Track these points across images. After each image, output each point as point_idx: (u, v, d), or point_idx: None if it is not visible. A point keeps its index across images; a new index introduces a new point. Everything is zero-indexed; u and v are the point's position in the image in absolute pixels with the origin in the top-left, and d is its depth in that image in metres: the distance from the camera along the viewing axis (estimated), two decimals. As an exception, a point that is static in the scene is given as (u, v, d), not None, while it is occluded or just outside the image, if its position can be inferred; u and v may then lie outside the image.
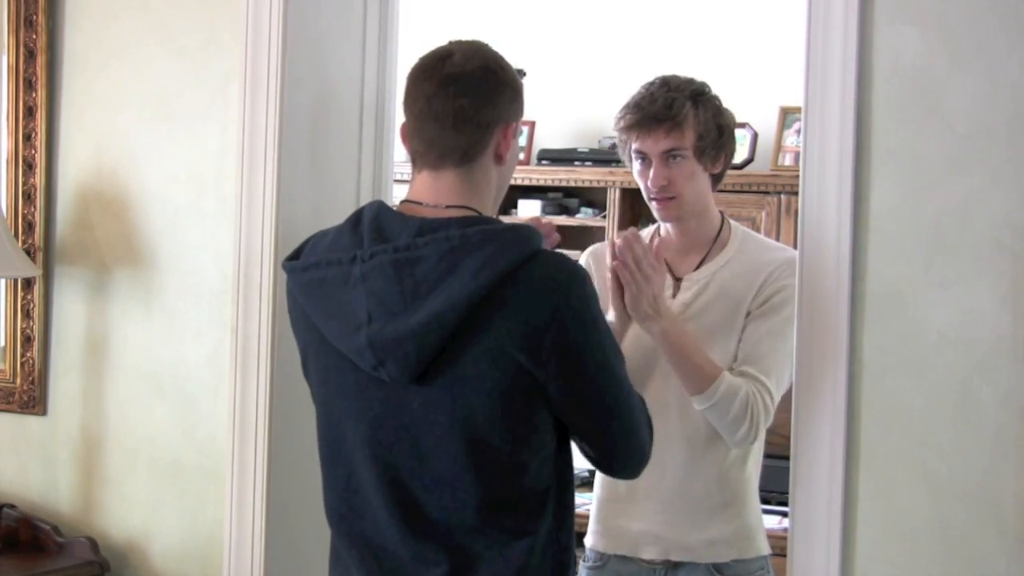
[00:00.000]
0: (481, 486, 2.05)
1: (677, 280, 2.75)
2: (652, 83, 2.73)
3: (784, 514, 3.88)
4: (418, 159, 2.14)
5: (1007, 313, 2.32)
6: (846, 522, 2.41)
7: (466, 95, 2.08)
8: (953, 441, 2.35)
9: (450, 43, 2.16)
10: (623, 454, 2.16)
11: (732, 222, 2.82)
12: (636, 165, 2.73)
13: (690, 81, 2.75)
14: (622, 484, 2.75)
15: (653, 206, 2.73)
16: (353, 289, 2.05)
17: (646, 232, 2.86)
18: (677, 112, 2.66)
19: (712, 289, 2.71)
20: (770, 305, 2.66)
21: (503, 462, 2.05)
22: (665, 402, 2.68)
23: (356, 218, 2.11)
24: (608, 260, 2.60)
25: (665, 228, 2.80)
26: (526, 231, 2.06)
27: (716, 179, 2.76)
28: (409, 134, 2.14)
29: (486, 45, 2.16)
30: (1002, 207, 2.32)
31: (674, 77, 2.74)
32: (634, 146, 2.71)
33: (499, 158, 2.13)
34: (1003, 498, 2.33)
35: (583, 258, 2.89)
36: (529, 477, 2.07)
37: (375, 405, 2.08)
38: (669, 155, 2.67)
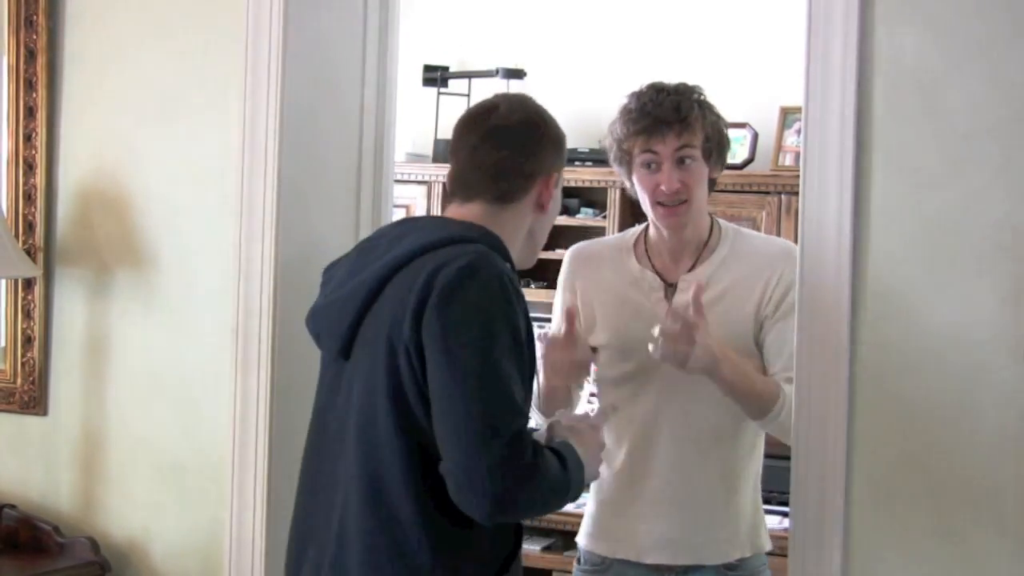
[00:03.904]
0: (361, 482, 2.06)
1: (671, 284, 2.74)
2: (644, 91, 2.70)
3: (784, 514, 3.87)
4: (452, 194, 2.23)
5: (1007, 313, 2.31)
6: (846, 522, 2.41)
7: (508, 147, 2.17)
8: (953, 441, 2.35)
9: (496, 96, 2.27)
10: (454, 474, 1.98)
11: (720, 221, 2.80)
12: (641, 172, 2.69)
13: (683, 84, 2.73)
14: (625, 487, 2.74)
15: (659, 212, 2.69)
16: (338, 273, 2.24)
17: (631, 233, 2.85)
18: (687, 113, 2.65)
19: (712, 291, 2.69)
20: (787, 305, 2.64)
21: (383, 464, 2.04)
22: (669, 406, 2.68)
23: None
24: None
25: (657, 232, 2.76)
26: (478, 230, 2.11)
27: (711, 185, 2.76)
28: (452, 177, 2.24)
29: (531, 99, 2.25)
30: (1002, 207, 2.32)
31: (662, 83, 2.72)
32: (641, 150, 2.67)
33: (540, 207, 2.22)
34: (1003, 498, 2.32)
35: (567, 255, 2.87)
36: (403, 494, 2.03)
37: (324, 383, 2.21)
38: (681, 157, 2.65)
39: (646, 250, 2.78)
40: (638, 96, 2.70)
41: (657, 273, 2.75)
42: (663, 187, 2.66)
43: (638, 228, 2.85)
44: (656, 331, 2.53)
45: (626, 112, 2.70)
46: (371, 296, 2.08)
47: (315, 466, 2.19)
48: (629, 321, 2.73)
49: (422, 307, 2.01)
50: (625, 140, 2.69)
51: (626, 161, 2.71)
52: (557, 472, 2.04)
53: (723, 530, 2.71)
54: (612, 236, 3.03)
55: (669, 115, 2.64)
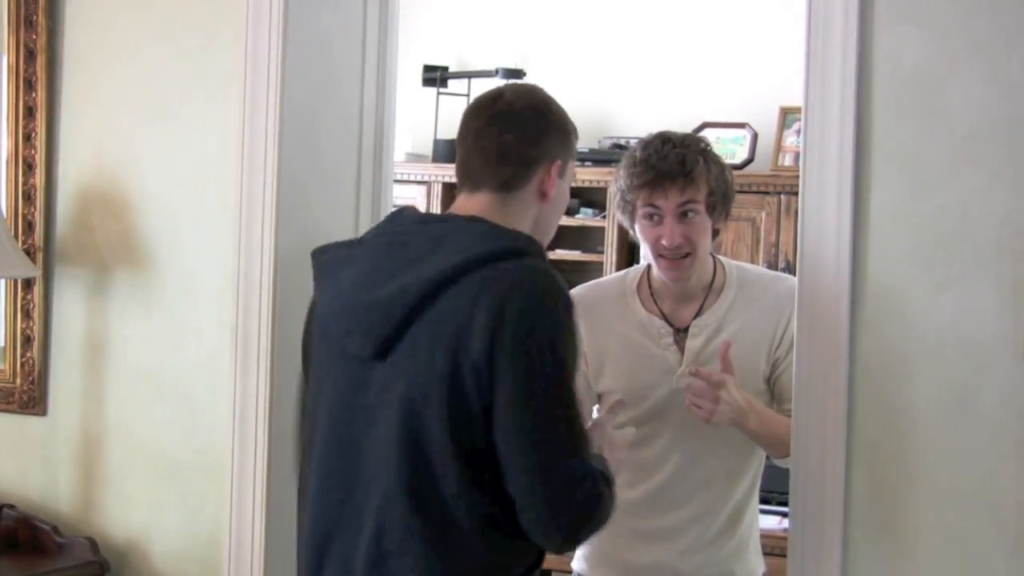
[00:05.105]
0: (408, 482, 2.05)
1: (681, 329, 2.74)
2: (651, 141, 2.69)
3: (784, 514, 3.88)
4: (460, 185, 2.22)
5: (1007, 314, 2.32)
6: (846, 522, 2.41)
7: (511, 131, 2.17)
8: (953, 442, 2.35)
9: (505, 86, 2.27)
10: (534, 509, 2.02)
11: (721, 259, 2.80)
12: (643, 223, 2.68)
13: (691, 136, 2.73)
14: (630, 518, 2.74)
15: (661, 264, 2.68)
16: (350, 267, 2.14)
17: (631, 276, 2.84)
18: (691, 167, 2.63)
19: (725, 334, 2.70)
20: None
21: (434, 468, 2.03)
22: (681, 448, 2.70)
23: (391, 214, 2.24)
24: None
25: (660, 279, 2.75)
26: (525, 239, 2.08)
27: (714, 235, 2.75)
28: (457, 165, 2.22)
29: (539, 88, 2.25)
30: (1002, 207, 2.32)
31: (671, 133, 2.71)
32: (643, 203, 2.66)
33: (543, 195, 2.19)
34: (1002, 499, 2.33)
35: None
36: (457, 495, 2.04)
37: (343, 381, 2.14)
38: (684, 211, 2.64)
39: (651, 294, 2.77)
40: (644, 146, 2.68)
41: (665, 318, 2.75)
42: (664, 241, 2.65)
43: (638, 270, 2.84)
44: (676, 380, 2.64)
45: (631, 163, 2.68)
46: (421, 303, 2.03)
47: (336, 464, 2.14)
48: (639, 368, 2.73)
49: (495, 334, 1.98)
50: (629, 192, 2.68)
51: (629, 211, 2.70)
52: (612, 495, 2.10)
53: (727, 566, 2.74)
54: (609, 278, 2.97)
55: (673, 169, 2.62)
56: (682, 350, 2.71)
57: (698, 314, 2.72)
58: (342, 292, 2.13)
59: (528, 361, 1.99)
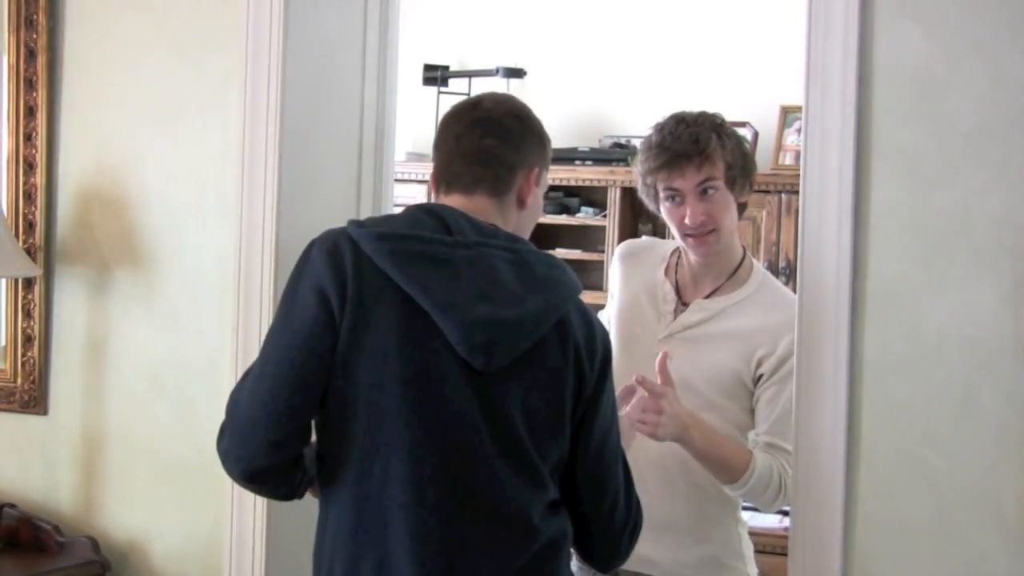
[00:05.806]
0: (525, 485, 2.11)
1: (687, 304, 2.75)
2: (665, 123, 2.71)
3: (784, 514, 3.88)
4: (448, 186, 2.20)
5: (1008, 312, 2.31)
6: (846, 522, 2.41)
7: (492, 135, 2.18)
8: (953, 440, 2.35)
9: (482, 94, 2.29)
10: (608, 537, 2.25)
11: (753, 260, 2.81)
12: (666, 205, 2.70)
13: (704, 113, 2.73)
14: None
15: (689, 243, 2.71)
16: (462, 269, 2.06)
17: (674, 245, 2.85)
18: (705, 145, 2.65)
19: (718, 323, 2.71)
20: (787, 369, 2.60)
21: (546, 481, 2.14)
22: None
23: (427, 210, 2.14)
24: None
25: (685, 253, 2.78)
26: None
27: (741, 209, 2.76)
28: (438, 170, 2.22)
29: (515, 97, 2.29)
30: (1003, 206, 2.32)
31: (685, 112, 2.73)
32: (663, 186, 2.68)
33: (520, 202, 2.21)
34: (1004, 497, 2.33)
35: (618, 252, 2.93)
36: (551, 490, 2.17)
37: (456, 392, 2.06)
38: (703, 189, 2.66)
39: (677, 264, 2.81)
40: (659, 129, 2.71)
41: (678, 289, 2.77)
42: (687, 220, 2.67)
43: (670, 243, 2.87)
44: (656, 344, 2.64)
45: (647, 147, 2.71)
46: (545, 330, 2.10)
47: (445, 476, 2.07)
48: (633, 324, 2.77)
49: (604, 365, 2.18)
50: (648, 175, 2.71)
51: (652, 195, 2.74)
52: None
53: (703, 549, 2.71)
54: (664, 241, 3.01)
55: (688, 149, 2.64)
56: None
57: (711, 295, 2.73)
58: (474, 302, 2.04)
59: (612, 396, 2.22)
